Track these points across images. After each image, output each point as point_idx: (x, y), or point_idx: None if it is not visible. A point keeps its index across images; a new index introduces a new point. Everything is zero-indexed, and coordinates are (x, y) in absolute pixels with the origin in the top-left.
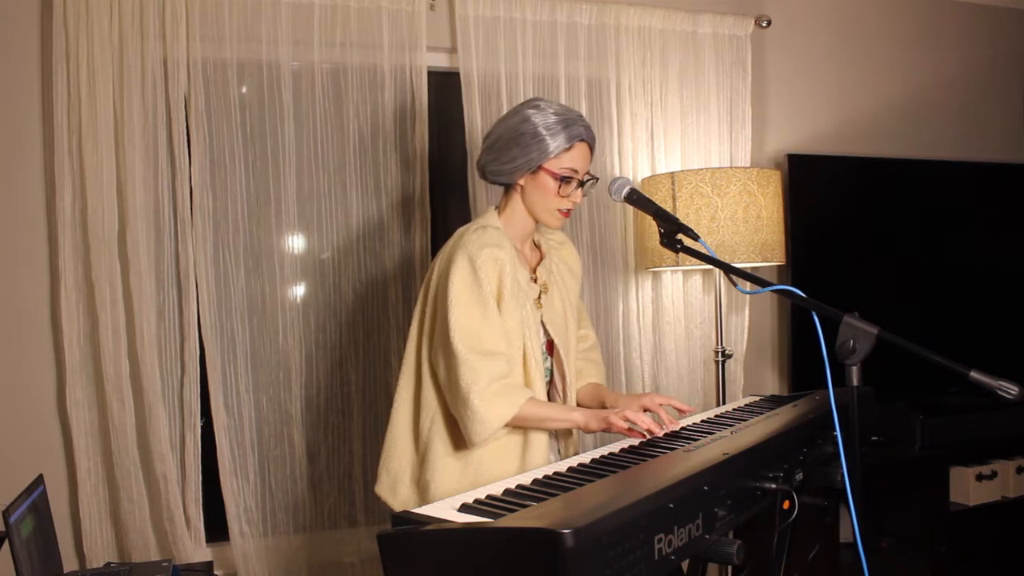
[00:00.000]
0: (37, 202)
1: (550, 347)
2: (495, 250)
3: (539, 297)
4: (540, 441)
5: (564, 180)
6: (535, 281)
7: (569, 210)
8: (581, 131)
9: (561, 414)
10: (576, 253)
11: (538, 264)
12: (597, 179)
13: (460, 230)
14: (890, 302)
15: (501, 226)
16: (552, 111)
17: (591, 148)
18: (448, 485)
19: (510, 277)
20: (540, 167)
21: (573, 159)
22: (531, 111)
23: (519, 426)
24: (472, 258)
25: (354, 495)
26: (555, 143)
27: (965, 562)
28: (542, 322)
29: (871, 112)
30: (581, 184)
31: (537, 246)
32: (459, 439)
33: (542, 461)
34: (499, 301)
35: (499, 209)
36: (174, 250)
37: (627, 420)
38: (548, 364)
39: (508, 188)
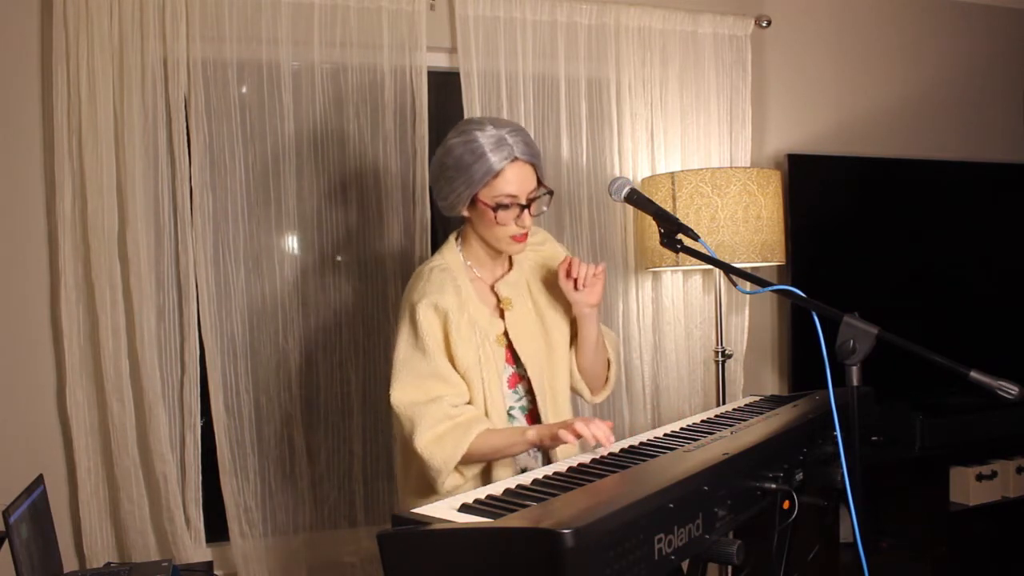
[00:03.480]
0: (37, 202)
1: (519, 379)
2: (436, 297)
3: (504, 332)
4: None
5: (500, 207)
6: (498, 304)
7: (523, 234)
8: (508, 151)
9: (514, 438)
10: (559, 249)
11: (500, 279)
12: (551, 193)
13: (418, 269)
14: (890, 302)
15: (458, 259)
16: (476, 135)
17: (532, 164)
18: None
19: (456, 322)
20: (475, 198)
21: (507, 183)
22: (454, 140)
23: (480, 461)
24: (413, 308)
25: (354, 495)
26: (481, 171)
27: (965, 562)
28: (510, 344)
29: (871, 112)
30: (525, 207)
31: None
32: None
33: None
34: (447, 347)
35: (461, 236)
36: (174, 250)
37: (576, 433)
38: (521, 400)
39: (465, 221)
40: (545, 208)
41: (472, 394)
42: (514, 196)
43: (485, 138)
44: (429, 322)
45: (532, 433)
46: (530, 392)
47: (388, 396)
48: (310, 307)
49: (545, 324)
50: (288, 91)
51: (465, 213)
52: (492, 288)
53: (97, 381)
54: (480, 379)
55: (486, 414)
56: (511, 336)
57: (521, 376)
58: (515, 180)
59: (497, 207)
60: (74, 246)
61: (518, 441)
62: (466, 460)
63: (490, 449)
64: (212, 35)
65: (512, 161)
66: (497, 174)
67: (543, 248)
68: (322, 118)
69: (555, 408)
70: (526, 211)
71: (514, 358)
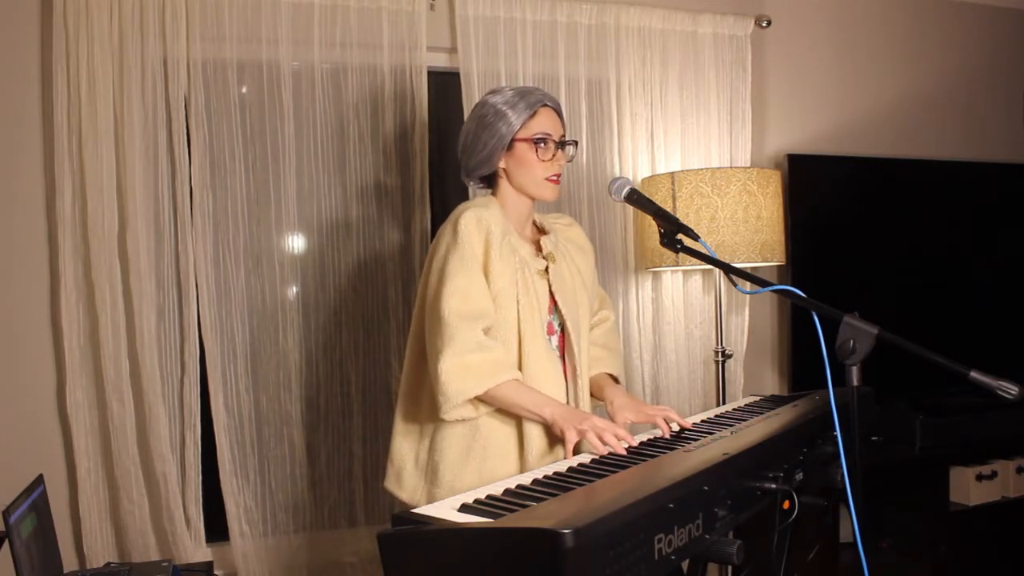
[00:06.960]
0: (37, 202)
1: (552, 331)
2: (480, 211)
3: (546, 269)
4: (536, 430)
5: (539, 143)
6: (540, 252)
7: (558, 176)
8: (540, 97)
9: (533, 406)
10: (584, 234)
11: (540, 238)
12: (576, 143)
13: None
14: (890, 302)
15: (498, 207)
16: (508, 90)
17: (558, 114)
18: (456, 466)
19: (498, 239)
20: (513, 140)
21: (542, 124)
22: (488, 96)
23: (494, 405)
24: (456, 221)
25: (354, 495)
26: (516, 113)
27: (965, 562)
28: (551, 293)
29: (871, 112)
30: (560, 146)
31: (539, 228)
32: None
33: (540, 450)
34: (486, 263)
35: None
36: (174, 250)
37: (606, 444)
38: (554, 344)
39: (495, 181)
40: (572, 157)
41: (500, 319)
42: (548, 134)
43: (514, 90)
44: (470, 232)
45: (548, 412)
46: (559, 348)
47: (433, 306)
48: (310, 307)
49: (578, 293)
50: (288, 91)
51: (501, 164)
52: (535, 243)
53: (97, 381)
54: (515, 304)
55: (519, 345)
56: (553, 287)
57: (552, 329)
58: (548, 122)
59: (537, 141)
60: (74, 246)
61: (534, 410)
62: (481, 398)
63: (510, 402)
64: (212, 35)
65: (543, 106)
66: (532, 115)
67: (571, 229)
68: (322, 118)
69: (582, 373)
70: (560, 151)
71: (550, 308)
